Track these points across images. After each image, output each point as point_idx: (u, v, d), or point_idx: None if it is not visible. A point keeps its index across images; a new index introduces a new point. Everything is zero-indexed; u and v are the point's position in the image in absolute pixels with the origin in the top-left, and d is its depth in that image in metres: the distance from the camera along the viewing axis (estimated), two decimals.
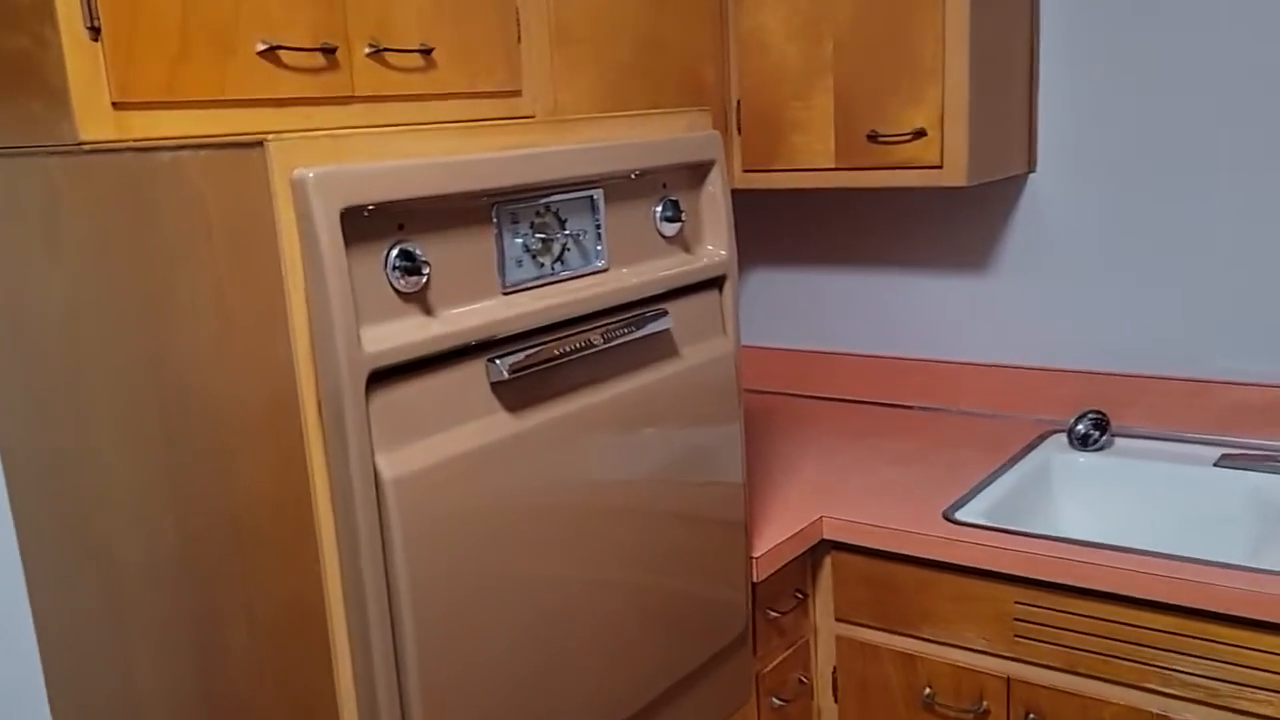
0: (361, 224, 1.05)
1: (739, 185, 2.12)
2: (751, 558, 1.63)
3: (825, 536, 1.76)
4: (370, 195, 1.03)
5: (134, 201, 1.11)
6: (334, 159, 1.02)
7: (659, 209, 1.42)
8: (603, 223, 1.33)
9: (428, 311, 1.12)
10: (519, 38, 1.62)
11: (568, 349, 1.23)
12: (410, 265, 1.08)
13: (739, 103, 2.08)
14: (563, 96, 1.71)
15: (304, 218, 0.99)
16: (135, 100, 1.18)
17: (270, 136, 0.99)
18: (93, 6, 1.14)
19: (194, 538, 1.17)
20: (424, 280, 1.11)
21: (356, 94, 1.41)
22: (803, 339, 2.49)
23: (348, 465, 1.03)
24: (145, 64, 1.18)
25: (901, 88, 1.92)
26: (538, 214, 1.25)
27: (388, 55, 1.43)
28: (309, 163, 1.00)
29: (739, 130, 2.09)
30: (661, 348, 1.41)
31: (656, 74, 1.87)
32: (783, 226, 2.47)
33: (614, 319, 1.32)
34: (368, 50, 1.41)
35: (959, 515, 1.72)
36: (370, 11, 1.40)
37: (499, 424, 1.18)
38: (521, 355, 1.18)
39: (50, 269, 1.21)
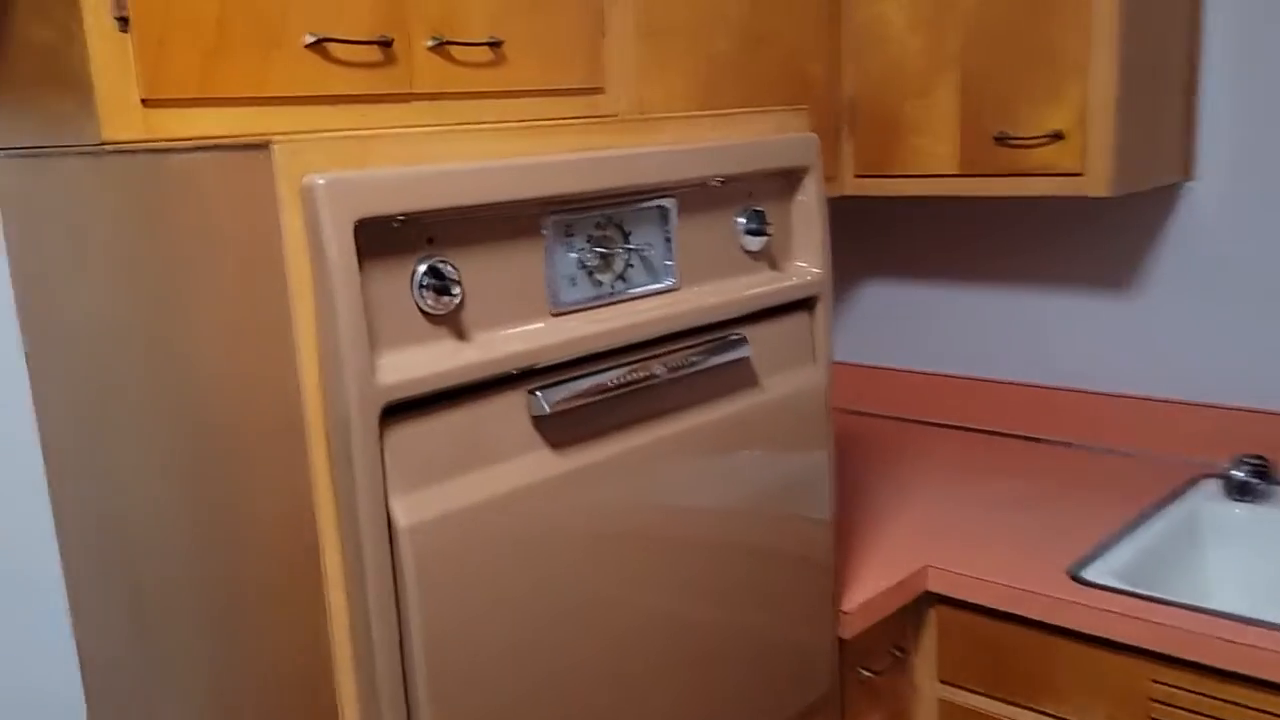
0: (386, 236, 0.93)
1: (850, 191, 1.94)
2: (841, 610, 1.45)
3: (930, 589, 1.58)
4: (391, 205, 0.91)
5: (149, 207, 1.02)
6: (354, 163, 0.91)
7: (742, 220, 1.26)
8: (674, 236, 1.18)
9: (461, 335, 1.00)
10: (602, 30, 1.49)
11: (622, 381, 1.08)
12: (440, 284, 0.96)
13: (852, 101, 1.90)
14: (650, 94, 1.56)
15: (312, 229, 0.88)
16: (166, 97, 1.09)
17: (278, 137, 0.87)
18: None
19: (203, 576, 1.08)
20: (456, 300, 0.98)
21: (416, 91, 1.29)
22: (918, 359, 2.28)
23: (355, 510, 0.92)
24: (178, 57, 1.09)
25: (1037, 84, 1.70)
26: (597, 225, 1.11)
27: (452, 49, 1.32)
28: (323, 167, 0.89)
29: (851, 132, 1.91)
30: (738, 377, 1.25)
31: (758, 70, 1.71)
32: (899, 235, 2.27)
33: (683, 345, 1.18)
34: (430, 43, 1.29)
35: (1087, 573, 1.51)
36: (433, 1, 1.29)
37: (540, 463, 1.04)
38: (566, 389, 1.04)
39: (78, 276, 1.14)
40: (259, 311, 0.92)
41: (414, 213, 0.93)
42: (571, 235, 1.09)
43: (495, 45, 1.36)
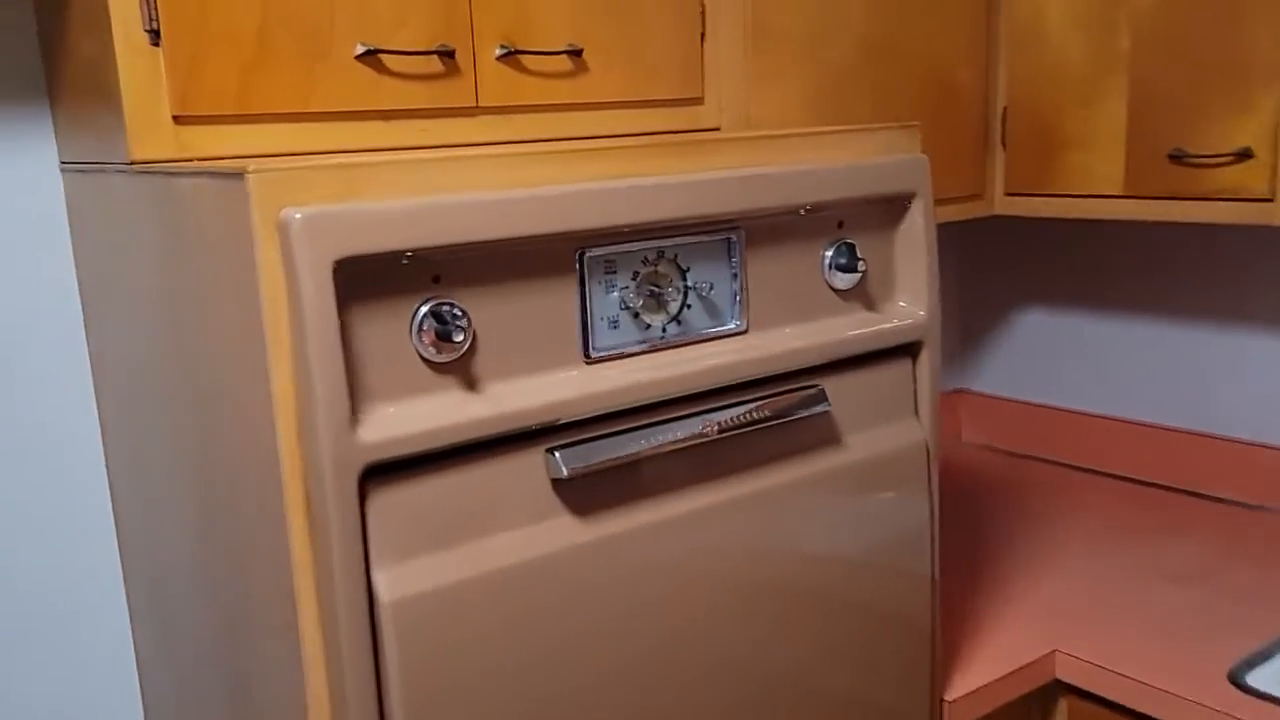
0: (386, 275, 0.84)
1: (1000, 211, 1.73)
2: (942, 700, 1.27)
3: (1058, 677, 1.37)
4: (378, 242, 0.81)
5: (163, 232, 0.96)
6: (341, 194, 0.81)
7: (829, 254, 1.10)
8: (742, 272, 1.04)
9: (471, 386, 0.89)
10: (702, 31, 1.35)
11: (658, 444, 0.95)
12: (443, 328, 0.85)
13: (1005, 110, 1.69)
14: (760, 107, 1.42)
15: (288, 268, 0.79)
16: (200, 114, 1.03)
17: (253, 166, 0.79)
18: (153, 6, 1.00)
19: (204, 625, 1.01)
20: (464, 347, 0.87)
21: (482, 104, 1.20)
22: (1070, 395, 2.03)
23: (332, 582, 0.82)
24: (213, 71, 1.03)
25: (1222, 93, 1.46)
26: (645, 261, 0.98)
27: (524, 58, 1.21)
28: (304, 199, 0.80)
29: (1003, 145, 1.70)
30: (816, 434, 1.10)
31: (891, 77, 1.53)
32: (1056, 259, 2.03)
33: (748, 398, 1.03)
34: (499, 52, 1.19)
35: (1252, 679, 1.27)
36: (503, 7, 1.19)
37: (559, 532, 0.92)
38: (589, 451, 0.92)
39: (119, 295, 1.09)
40: (247, 356, 0.84)
41: (412, 250, 0.83)
42: (613, 272, 0.96)
43: (575, 54, 1.25)
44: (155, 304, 1.01)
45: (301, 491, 0.82)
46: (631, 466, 0.96)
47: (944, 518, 1.81)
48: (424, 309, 0.85)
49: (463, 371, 0.88)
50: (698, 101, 1.37)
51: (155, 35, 1.00)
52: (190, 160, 1.02)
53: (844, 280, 1.11)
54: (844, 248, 1.10)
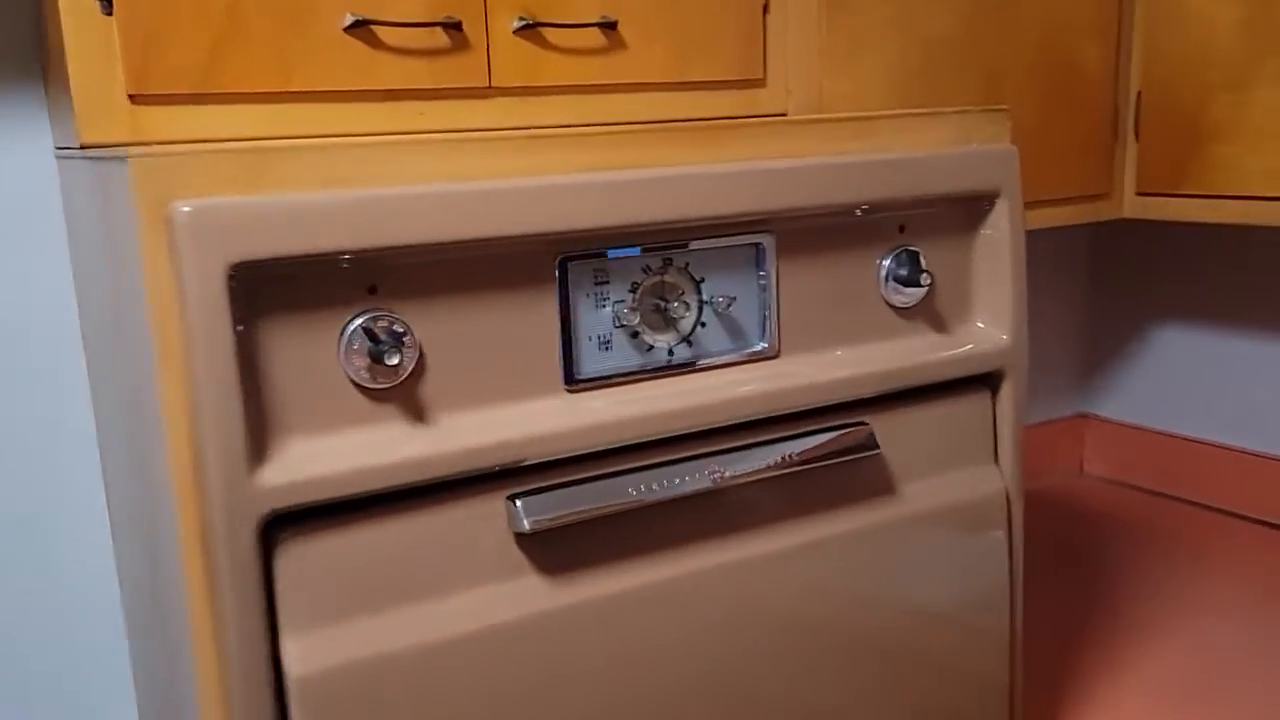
0: (315, 281, 0.69)
1: (1129, 214, 1.49)
2: None
3: None
4: (287, 242, 0.67)
5: (100, 226, 0.84)
6: (249, 184, 0.67)
7: (886, 263, 0.91)
8: (773, 284, 0.86)
9: (418, 417, 0.74)
10: (765, 4, 1.17)
11: (652, 493, 0.78)
12: (376, 348, 0.70)
13: (1139, 96, 1.45)
14: (835, 88, 1.22)
15: (176, 273, 0.65)
16: (159, 93, 0.91)
17: (138, 149, 0.65)
18: None
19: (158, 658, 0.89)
20: (405, 370, 0.72)
21: (496, 84, 1.04)
22: (1215, 427, 1.76)
23: (228, 651, 0.68)
24: (175, 44, 0.91)
25: None
26: (647, 270, 0.81)
27: (547, 32, 1.06)
28: (200, 189, 0.66)
29: (1136, 136, 1.46)
30: (862, 483, 0.91)
31: (998, 53, 1.32)
32: (1199, 270, 1.76)
33: (772, 437, 0.85)
34: (517, 24, 1.04)
35: None
36: None
37: (521, 597, 0.76)
38: (558, 501, 0.76)
39: (92, 288, 0.99)
40: (149, 379, 0.71)
41: (333, 253, 0.68)
42: (605, 283, 0.80)
43: (608, 26, 1.08)
44: (105, 302, 0.89)
45: (199, 542, 0.68)
46: (618, 519, 0.80)
47: (1054, 561, 1.58)
48: (354, 325, 0.71)
49: (406, 400, 0.73)
50: (758, 83, 1.19)
51: (108, 3, 0.89)
52: (148, 144, 0.91)
53: (905, 296, 0.92)
54: (905, 256, 0.91)
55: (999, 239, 0.94)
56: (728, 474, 0.81)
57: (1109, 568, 1.56)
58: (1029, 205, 1.35)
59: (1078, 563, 1.58)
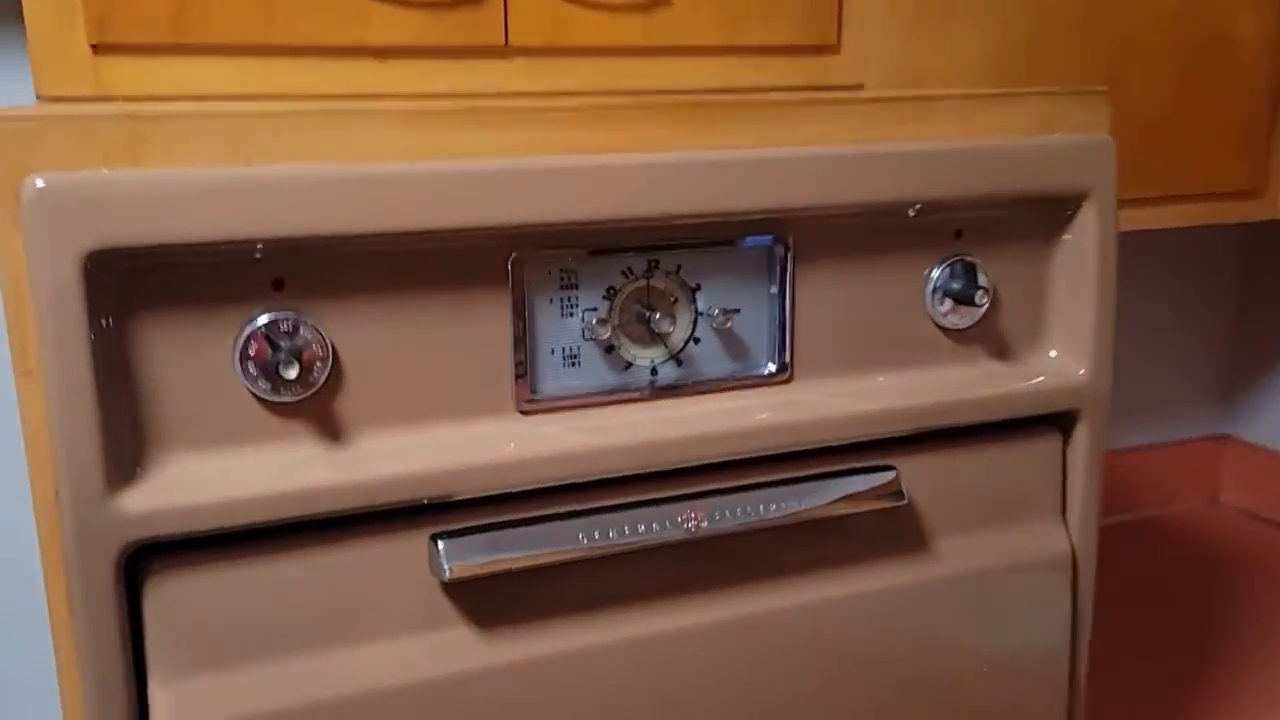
0: (199, 274, 0.59)
1: None
2: None
3: None
4: (160, 228, 0.56)
5: None
6: (131, 156, 0.57)
7: (936, 275, 0.75)
8: (790, 295, 0.71)
9: (332, 437, 0.63)
10: None
11: (596, 540, 0.65)
12: (272, 357, 0.60)
13: None
14: (922, 59, 1.05)
15: (28, 260, 0.55)
16: (124, 42, 0.82)
17: (6, 111, 0.56)
18: None
19: None
20: (314, 383, 0.61)
21: (514, 44, 0.92)
22: None
23: (86, 694, 0.59)
24: None
25: None
26: (628, 274, 0.68)
27: None
28: (68, 161, 0.56)
29: None
30: (888, 536, 0.76)
31: (1128, 21, 1.12)
32: None
33: (767, 479, 0.71)
34: None
35: None
36: None
37: (445, 651, 0.65)
38: (489, 543, 0.64)
39: None
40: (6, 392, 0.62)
41: (216, 242, 0.57)
42: (573, 287, 0.67)
43: None
44: None
45: (58, 568, 0.59)
46: (569, 568, 0.67)
47: (1176, 601, 1.38)
48: (252, 327, 0.60)
49: (317, 417, 0.63)
50: (830, 50, 1.03)
51: None
52: (113, 99, 0.82)
53: (956, 316, 0.76)
54: (960, 268, 0.75)
55: (1083, 251, 0.77)
56: (706, 524, 0.67)
57: (1239, 614, 1.36)
58: (1160, 200, 1.15)
59: (1201, 606, 1.38)
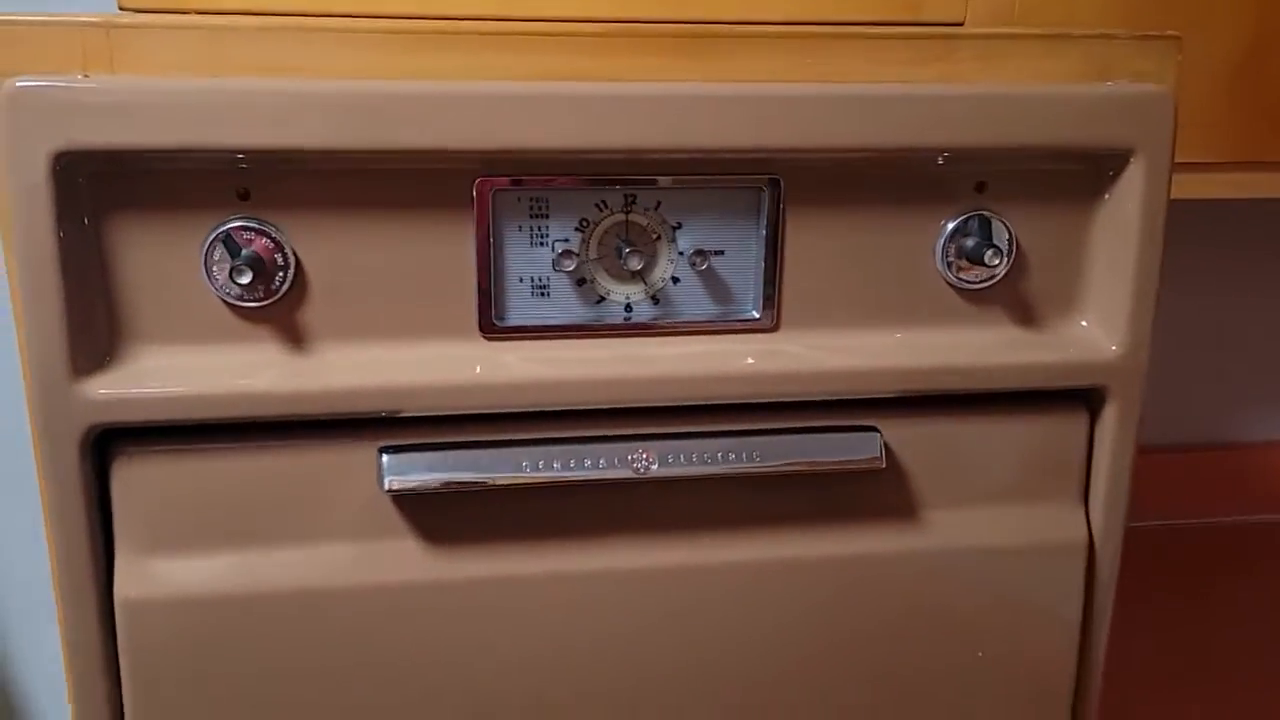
0: (173, 181, 0.62)
1: None
2: None
3: None
4: (127, 132, 0.59)
5: None
6: (110, 63, 0.60)
7: (950, 227, 0.70)
8: (780, 238, 0.68)
9: (293, 344, 0.65)
10: None
11: (539, 469, 0.65)
12: (234, 263, 0.62)
13: None
14: None
15: (4, 159, 0.60)
16: None
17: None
18: None
19: None
20: (276, 291, 0.64)
21: None
22: None
23: (58, 562, 0.65)
24: None
25: None
26: (601, 207, 0.67)
27: None
28: (51, 65, 0.60)
29: None
30: (872, 502, 0.72)
31: None
32: None
33: (734, 428, 0.69)
34: None
35: None
36: None
37: (382, 561, 0.67)
38: (430, 462, 0.65)
39: None
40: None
41: (187, 149, 0.60)
42: (543, 215, 0.66)
43: None
44: None
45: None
46: (517, 495, 0.68)
47: (1225, 623, 1.26)
48: (215, 233, 0.63)
49: (280, 324, 0.65)
50: None
51: None
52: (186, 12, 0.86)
53: (973, 274, 0.70)
54: (975, 223, 0.69)
55: (1126, 214, 0.69)
56: (656, 467, 0.66)
57: None
58: (1240, 166, 1.02)
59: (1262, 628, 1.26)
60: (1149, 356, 0.72)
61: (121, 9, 0.86)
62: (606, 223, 0.67)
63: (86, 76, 0.59)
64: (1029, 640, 0.75)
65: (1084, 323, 0.73)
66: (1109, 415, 0.73)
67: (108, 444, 0.64)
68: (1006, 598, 0.74)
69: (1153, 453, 1.46)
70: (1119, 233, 0.70)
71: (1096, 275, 0.72)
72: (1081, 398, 0.73)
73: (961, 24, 0.97)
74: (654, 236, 0.68)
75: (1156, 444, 1.47)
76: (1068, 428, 0.74)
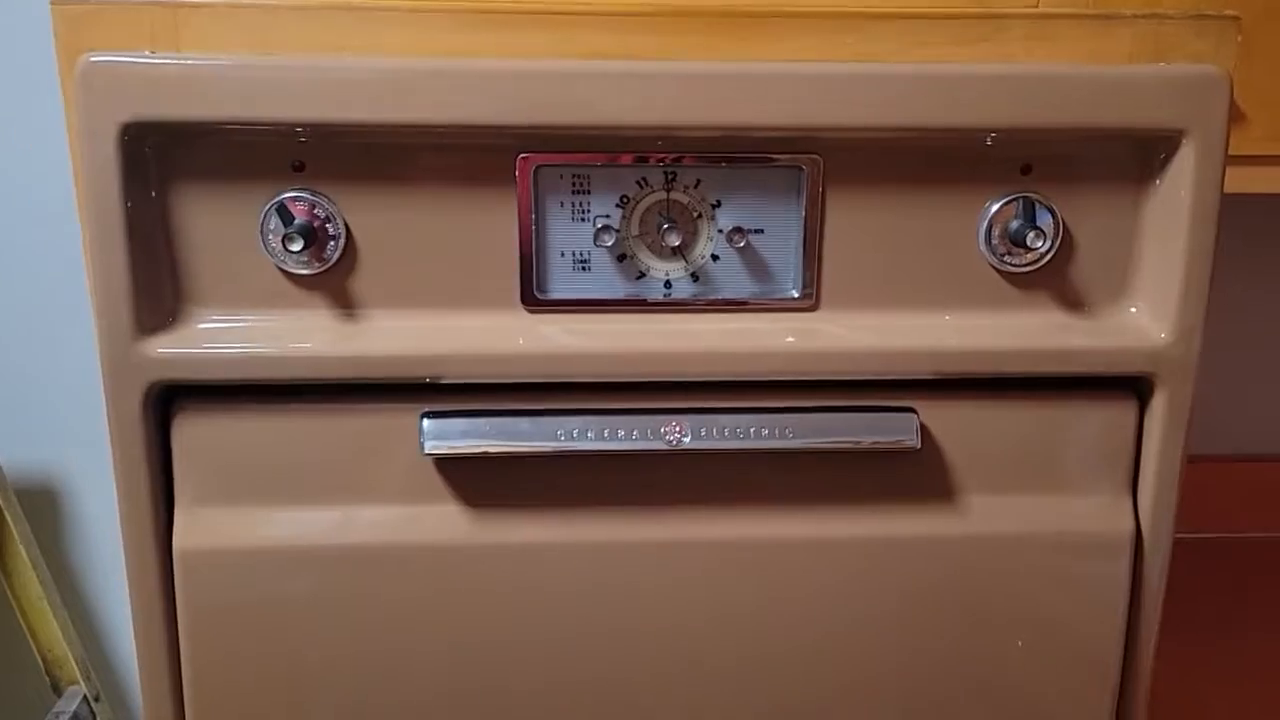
0: (236, 152, 0.66)
1: None
2: None
3: None
4: (187, 107, 0.62)
5: None
6: (171, 41, 0.64)
7: (995, 210, 0.69)
8: (819, 218, 0.69)
9: (344, 311, 0.68)
10: None
11: (574, 438, 0.67)
12: (288, 232, 0.65)
13: None
14: None
15: (77, 129, 0.64)
16: None
17: None
18: None
19: None
20: (329, 259, 0.67)
21: None
22: None
23: (122, 512, 0.69)
24: None
25: None
26: (642, 184, 0.68)
27: None
28: (123, 43, 0.64)
29: None
30: (909, 482, 0.72)
31: None
32: None
33: (770, 405, 0.70)
34: None
35: None
36: None
37: (424, 522, 0.70)
38: (467, 428, 0.67)
39: None
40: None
41: (246, 123, 0.63)
42: (584, 192, 0.68)
43: None
44: None
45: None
46: (556, 462, 0.69)
47: None
48: (271, 203, 0.66)
49: (331, 292, 0.68)
50: None
51: None
52: None
53: (1016, 258, 0.70)
54: (1022, 205, 0.69)
55: (1178, 199, 0.68)
56: (688, 440, 0.67)
57: None
58: None
59: None
60: (1202, 351, 0.70)
61: None
62: (648, 200, 0.69)
63: (154, 53, 0.63)
64: (1070, 633, 0.74)
65: (1133, 309, 0.71)
66: (1158, 405, 0.71)
67: (170, 402, 0.68)
68: (1046, 588, 0.73)
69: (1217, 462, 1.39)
70: (1170, 217, 0.69)
71: (1147, 261, 0.70)
72: (1130, 387, 0.72)
73: (1037, 3, 0.96)
74: (694, 214, 0.69)
75: (1221, 454, 1.41)
76: (1115, 417, 0.72)
